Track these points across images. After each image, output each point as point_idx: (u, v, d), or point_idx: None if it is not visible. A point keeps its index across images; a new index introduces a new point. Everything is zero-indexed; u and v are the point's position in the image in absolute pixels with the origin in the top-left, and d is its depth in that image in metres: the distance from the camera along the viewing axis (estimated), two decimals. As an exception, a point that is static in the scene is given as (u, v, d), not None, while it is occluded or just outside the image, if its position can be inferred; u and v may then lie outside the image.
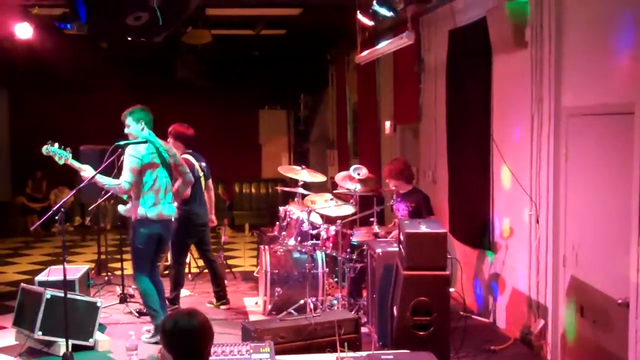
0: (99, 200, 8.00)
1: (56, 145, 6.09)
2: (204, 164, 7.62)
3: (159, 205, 6.32)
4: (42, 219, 6.28)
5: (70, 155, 6.10)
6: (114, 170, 7.07)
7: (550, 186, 5.92)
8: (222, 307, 7.78)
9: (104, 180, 6.19)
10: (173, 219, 6.55)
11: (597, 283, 5.27)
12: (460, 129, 7.75)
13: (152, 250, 6.46)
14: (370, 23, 8.06)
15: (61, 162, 6.13)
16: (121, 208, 6.54)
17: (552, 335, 5.98)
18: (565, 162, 5.74)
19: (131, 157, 6.18)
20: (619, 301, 4.80)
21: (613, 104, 5.05)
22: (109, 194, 7.10)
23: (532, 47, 6.17)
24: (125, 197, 6.40)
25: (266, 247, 7.61)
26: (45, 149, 6.07)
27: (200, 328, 3.10)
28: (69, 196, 6.11)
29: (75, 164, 6.13)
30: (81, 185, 6.10)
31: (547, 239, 6.00)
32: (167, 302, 7.51)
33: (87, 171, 6.14)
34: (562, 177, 5.80)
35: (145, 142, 6.29)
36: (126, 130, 6.44)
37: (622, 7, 4.95)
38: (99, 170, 6.36)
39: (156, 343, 6.20)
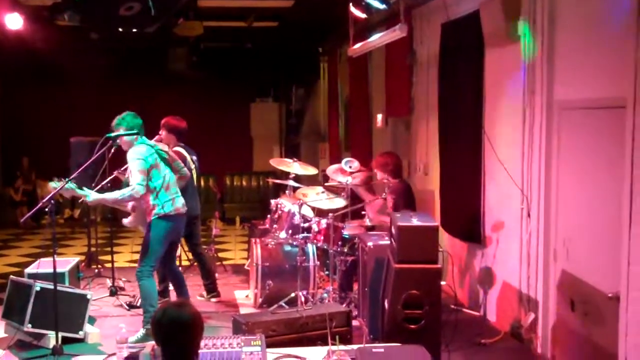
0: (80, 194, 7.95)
1: (56, 179, 5.90)
2: (195, 157, 7.58)
3: (172, 200, 6.30)
4: (32, 211, 6.24)
5: (75, 185, 5.95)
6: (104, 162, 7.04)
7: (542, 180, 5.92)
8: (213, 299, 7.76)
9: (115, 195, 6.08)
10: (184, 211, 6.51)
11: (587, 277, 5.28)
12: (452, 122, 7.74)
13: (166, 246, 6.40)
14: (363, 15, 8.03)
15: (68, 195, 6.04)
16: (125, 220, 6.49)
17: (542, 329, 5.99)
18: (557, 156, 5.74)
19: (136, 159, 6.08)
20: (610, 295, 4.80)
21: (605, 98, 5.04)
22: (99, 186, 7.05)
23: (525, 40, 6.16)
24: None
25: (257, 239, 7.59)
26: (52, 188, 5.88)
27: (191, 320, 3.08)
28: (59, 189, 6.02)
29: (80, 192, 6.01)
30: (68, 180, 6.01)
31: (538, 233, 6.00)
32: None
33: (89, 195, 6.05)
34: (553, 171, 5.80)
35: (138, 133, 6.25)
36: (118, 142, 6.34)
37: (615, 2, 4.94)
38: (89, 162, 6.31)
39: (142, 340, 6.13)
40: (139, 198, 6.15)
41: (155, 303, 6.27)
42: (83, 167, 6.38)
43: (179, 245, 7.94)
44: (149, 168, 6.14)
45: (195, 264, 8.25)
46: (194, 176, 7.53)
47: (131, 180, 6.10)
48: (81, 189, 6.05)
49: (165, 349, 3.05)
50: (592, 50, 5.23)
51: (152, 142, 6.48)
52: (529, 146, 6.14)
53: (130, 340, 5.91)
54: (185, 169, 6.81)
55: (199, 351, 3.72)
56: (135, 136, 6.25)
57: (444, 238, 7.76)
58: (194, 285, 8.20)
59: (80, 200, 7.28)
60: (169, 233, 6.36)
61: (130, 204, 6.48)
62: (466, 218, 7.39)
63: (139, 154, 6.13)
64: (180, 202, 6.40)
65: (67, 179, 5.89)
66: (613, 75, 4.95)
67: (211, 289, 7.82)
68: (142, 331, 6.21)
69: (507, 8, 6.30)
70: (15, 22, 8.97)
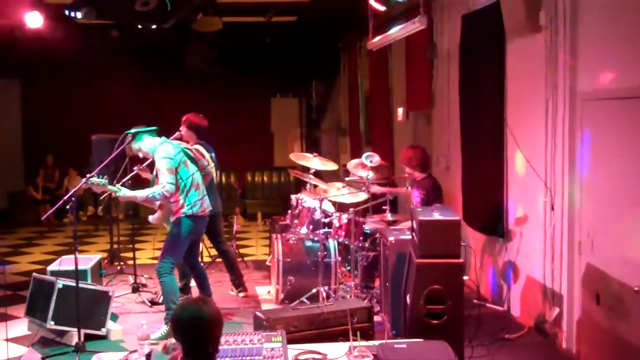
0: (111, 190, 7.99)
1: (94, 177, 5.93)
2: (213, 155, 7.56)
3: (202, 200, 6.35)
4: (54, 208, 6.31)
5: (107, 181, 5.97)
6: (125, 159, 7.04)
7: (566, 172, 5.85)
8: (240, 294, 7.76)
9: (146, 193, 6.11)
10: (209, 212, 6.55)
11: (613, 270, 5.20)
12: (474, 115, 7.67)
13: (188, 244, 6.44)
14: (382, 8, 7.97)
15: (99, 190, 6.09)
16: (150, 217, 6.51)
17: (567, 324, 5.91)
18: (581, 148, 5.66)
19: (164, 159, 6.11)
20: (636, 288, 4.73)
21: (629, 88, 4.96)
22: (120, 183, 7.06)
23: (547, 31, 6.08)
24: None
25: (278, 235, 7.56)
26: (88, 182, 5.92)
27: (210, 317, 3.08)
28: (79, 186, 6.05)
29: (111, 188, 6.04)
30: (92, 174, 6.03)
31: (562, 226, 5.93)
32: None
33: (121, 191, 6.06)
34: (577, 163, 5.72)
35: (156, 129, 6.27)
36: (141, 155, 6.41)
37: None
38: (109, 159, 6.34)
39: (164, 337, 6.15)
40: (168, 196, 6.17)
41: (177, 299, 6.28)
42: (104, 163, 6.40)
43: (201, 242, 7.96)
44: (177, 166, 6.16)
45: (219, 259, 8.28)
46: (214, 174, 7.52)
47: (161, 179, 6.11)
48: (113, 185, 6.08)
49: (185, 345, 3.06)
50: (616, 39, 5.14)
51: (176, 142, 6.49)
52: (552, 138, 6.06)
53: (152, 337, 5.97)
54: (209, 167, 6.82)
55: (220, 347, 3.72)
56: (157, 140, 6.27)
57: (467, 232, 7.69)
58: (216, 282, 8.21)
59: (102, 197, 7.33)
60: (193, 232, 6.39)
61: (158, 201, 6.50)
62: (489, 212, 7.32)
63: (166, 153, 6.15)
64: (207, 202, 6.46)
65: (88, 176, 5.92)
66: (638, 63, 4.86)
67: (237, 284, 7.83)
68: (164, 327, 6.22)
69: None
70: (35, 20, 9.01)
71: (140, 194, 6.14)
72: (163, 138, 6.36)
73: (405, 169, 7.27)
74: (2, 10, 8.74)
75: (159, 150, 6.18)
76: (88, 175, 5.96)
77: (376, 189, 7.49)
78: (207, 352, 3.09)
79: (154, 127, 6.27)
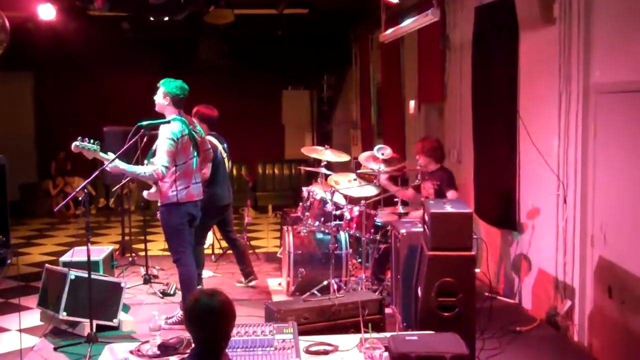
0: (123, 181, 8.01)
1: (85, 141, 5.79)
2: (225, 145, 7.56)
3: (189, 188, 6.12)
4: (67, 199, 6.32)
5: (99, 148, 5.84)
6: (137, 151, 7.05)
7: (578, 165, 5.82)
8: (251, 283, 7.79)
9: (137, 170, 5.95)
10: (199, 199, 6.37)
11: (626, 263, 5.17)
12: (486, 108, 7.64)
13: (187, 230, 6.27)
14: (395, 0, 7.95)
15: (90, 156, 5.90)
16: (145, 193, 6.47)
17: (579, 317, 5.90)
18: (594, 141, 5.63)
19: (167, 139, 5.92)
20: (649, 282, 4.71)
21: (644, 80, 4.93)
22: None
23: (561, 23, 6.05)
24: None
25: (289, 227, 7.58)
26: (75, 146, 5.80)
27: (221, 307, 3.09)
28: (90, 179, 5.99)
29: (103, 156, 5.88)
30: (103, 167, 5.99)
31: (574, 219, 5.91)
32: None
33: (113, 162, 5.87)
34: (590, 156, 5.69)
35: (169, 122, 6.18)
36: (157, 108, 6.24)
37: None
38: (121, 151, 6.31)
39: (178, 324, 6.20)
40: (164, 178, 6.00)
41: (192, 290, 6.30)
42: (115, 155, 6.40)
43: (212, 234, 7.97)
44: (175, 150, 5.96)
45: (229, 251, 8.29)
46: (227, 165, 7.51)
47: (157, 159, 5.96)
48: (105, 153, 5.93)
49: (196, 334, 3.08)
50: (631, 31, 5.10)
51: (187, 122, 6.30)
52: (565, 131, 6.04)
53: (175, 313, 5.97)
54: (211, 151, 6.75)
55: (232, 338, 3.73)
56: (171, 106, 6.14)
57: (479, 225, 7.68)
58: (226, 274, 8.25)
59: (114, 190, 7.31)
60: (184, 217, 6.16)
61: None
62: (501, 205, 7.30)
63: (171, 134, 5.95)
64: (196, 190, 6.21)
65: (93, 141, 5.81)
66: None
67: (248, 273, 7.85)
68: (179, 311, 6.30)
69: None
70: (48, 13, 9.03)
71: (130, 169, 5.95)
72: (178, 116, 6.16)
73: (419, 160, 7.24)
74: (15, 3, 8.76)
75: (165, 128, 6.00)
76: (79, 139, 5.82)
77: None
78: (218, 342, 3.11)
79: (167, 121, 6.20)
